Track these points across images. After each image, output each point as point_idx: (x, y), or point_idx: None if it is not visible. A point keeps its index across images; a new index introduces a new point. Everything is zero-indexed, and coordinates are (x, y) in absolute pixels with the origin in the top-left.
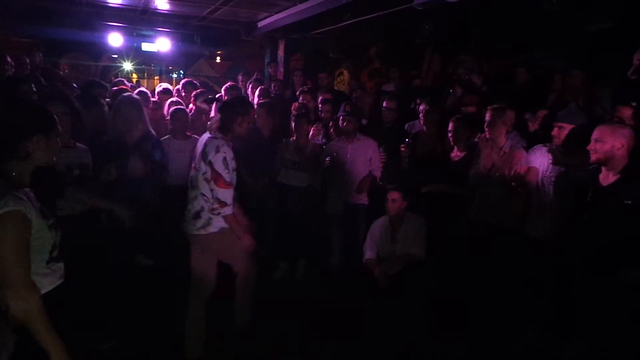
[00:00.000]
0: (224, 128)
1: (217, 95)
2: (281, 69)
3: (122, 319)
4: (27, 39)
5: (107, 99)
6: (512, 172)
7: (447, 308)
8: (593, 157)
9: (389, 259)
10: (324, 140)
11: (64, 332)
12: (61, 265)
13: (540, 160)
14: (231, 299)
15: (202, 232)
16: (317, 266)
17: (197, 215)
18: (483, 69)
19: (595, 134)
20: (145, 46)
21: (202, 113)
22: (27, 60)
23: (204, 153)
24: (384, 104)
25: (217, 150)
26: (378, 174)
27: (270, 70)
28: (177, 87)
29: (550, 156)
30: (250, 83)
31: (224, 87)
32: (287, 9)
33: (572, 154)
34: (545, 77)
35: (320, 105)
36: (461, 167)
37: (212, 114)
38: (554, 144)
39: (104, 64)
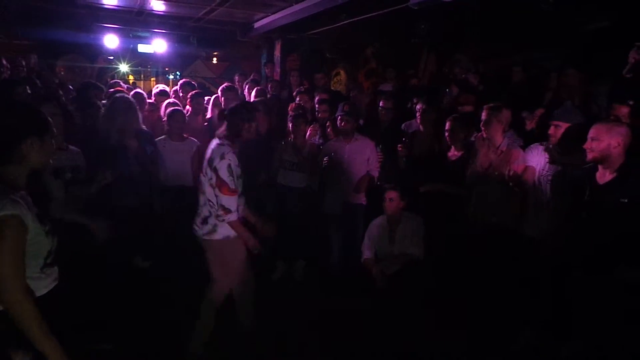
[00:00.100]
0: (231, 135)
1: (213, 96)
2: (278, 70)
3: (121, 320)
4: (23, 41)
5: (103, 101)
6: (509, 171)
7: (445, 308)
8: (589, 156)
9: (387, 259)
10: (321, 141)
11: (62, 333)
12: (55, 268)
13: (537, 159)
14: (232, 300)
15: (207, 237)
16: (316, 266)
17: (205, 221)
18: (479, 68)
19: (591, 133)
20: (142, 47)
21: (198, 114)
22: (24, 63)
23: (211, 159)
24: (381, 104)
25: (222, 157)
26: (376, 173)
27: (266, 70)
28: (174, 88)
29: (546, 155)
30: (247, 84)
31: (220, 88)
32: (283, 9)
33: (568, 152)
34: (541, 76)
35: (317, 106)
36: (458, 167)
37: (209, 114)
38: (551, 142)
39: (100, 65)
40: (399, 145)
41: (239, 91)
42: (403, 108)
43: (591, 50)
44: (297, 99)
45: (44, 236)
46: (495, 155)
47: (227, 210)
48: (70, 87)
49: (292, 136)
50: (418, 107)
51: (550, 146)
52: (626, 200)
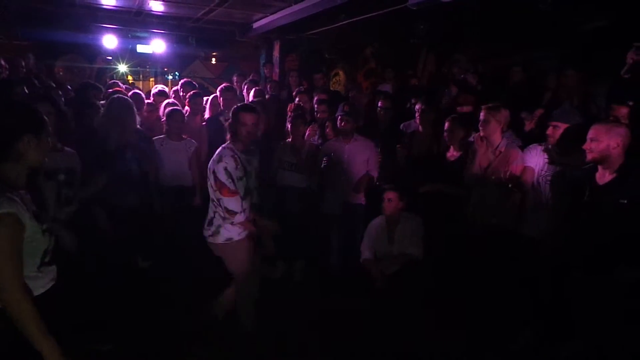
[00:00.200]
0: (233, 136)
1: (211, 96)
2: (277, 70)
3: (121, 320)
4: (22, 41)
5: (102, 101)
6: (508, 172)
7: (445, 308)
8: (589, 157)
9: (386, 259)
10: (320, 141)
11: (62, 333)
12: (53, 268)
13: (536, 160)
14: (232, 300)
15: (211, 240)
16: (316, 266)
17: (210, 222)
18: (478, 69)
19: (590, 133)
20: (140, 48)
21: (197, 114)
22: (23, 63)
23: (211, 162)
24: (379, 104)
25: (220, 160)
26: (375, 174)
27: (265, 71)
28: (175, 88)
29: (545, 155)
30: (245, 84)
31: (219, 89)
32: (282, 9)
33: (567, 153)
34: (540, 76)
35: (316, 106)
36: (457, 167)
37: (207, 114)
38: (549, 143)
39: (98, 66)
40: (399, 145)
41: (238, 92)
42: (402, 108)
43: (589, 50)
44: (297, 99)
45: (40, 235)
46: (494, 156)
47: (232, 212)
48: (69, 87)
49: (291, 137)
50: (417, 107)
51: (549, 147)
52: (626, 201)
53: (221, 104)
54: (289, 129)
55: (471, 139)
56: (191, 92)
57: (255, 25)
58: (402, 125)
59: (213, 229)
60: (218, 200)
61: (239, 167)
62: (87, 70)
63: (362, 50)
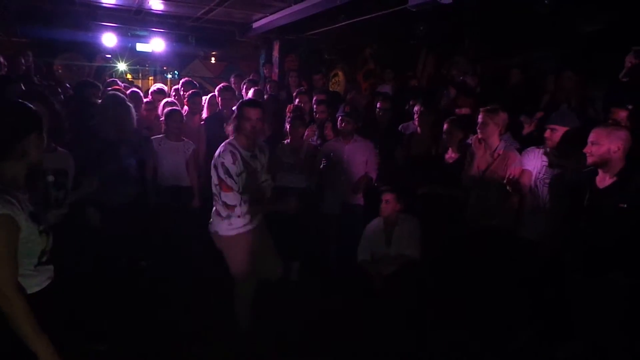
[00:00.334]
0: (236, 131)
1: (209, 95)
2: (276, 70)
3: (118, 320)
4: (21, 38)
5: (100, 100)
6: (506, 174)
7: (443, 308)
8: (589, 160)
9: (384, 260)
10: (319, 141)
11: (59, 332)
12: (50, 267)
13: (534, 163)
14: (232, 300)
15: (212, 231)
16: (315, 266)
17: (213, 216)
18: (477, 70)
19: (591, 137)
20: (140, 46)
21: (195, 113)
22: (23, 61)
23: (214, 157)
24: (378, 105)
25: (219, 156)
26: (374, 175)
27: (265, 71)
28: (175, 86)
29: (543, 158)
30: (244, 84)
31: (217, 88)
32: (281, 9)
33: (565, 156)
34: (539, 78)
35: (315, 106)
36: (455, 169)
37: (205, 114)
38: (547, 146)
39: (98, 64)
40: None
41: (236, 92)
42: (401, 109)
43: (588, 53)
44: (297, 99)
45: (37, 235)
46: (492, 158)
47: (231, 207)
48: (68, 85)
49: (290, 137)
50: (415, 109)
51: (547, 150)
52: (626, 205)
53: (219, 103)
54: (288, 129)
55: (469, 141)
56: (190, 92)
57: (255, 25)
58: (400, 127)
59: (215, 222)
60: (218, 194)
61: (237, 162)
62: (87, 69)
63: (362, 51)
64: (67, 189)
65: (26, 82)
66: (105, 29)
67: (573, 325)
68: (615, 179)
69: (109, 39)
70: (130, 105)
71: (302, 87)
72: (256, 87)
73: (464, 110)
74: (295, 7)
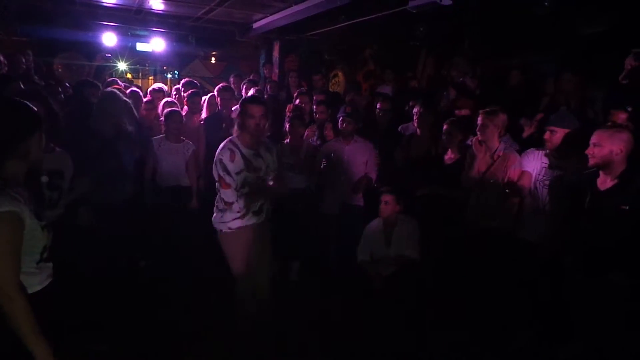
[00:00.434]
0: (239, 128)
1: (208, 95)
2: (276, 70)
3: (118, 320)
4: (21, 38)
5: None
6: (506, 176)
7: (443, 309)
8: (591, 162)
9: (383, 261)
10: (318, 142)
11: (58, 332)
12: (50, 265)
13: (534, 164)
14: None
15: (214, 226)
16: (315, 266)
17: (214, 211)
18: (477, 72)
19: (593, 139)
20: (140, 46)
21: (195, 113)
22: (23, 60)
23: (216, 154)
24: (378, 106)
25: (218, 154)
26: (374, 176)
27: (265, 71)
28: (176, 86)
29: (543, 160)
30: (244, 84)
31: (216, 88)
32: (282, 10)
33: (565, 157)
34: (539, 80)
35: (314, 107)
36: (455, 170)
37: (204, 114)
38: (547, 148)
39: (98, 63)
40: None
41: (236, 92)
42: (401, 110)
43: (588, 55)
44: (297, 100)
45: (39, 231)
46: (492, 160)
47: (229, 204)
48: (67, 84)
49: (290, 137)
50: (415, 110)
51: (547, 151)
52: (627, 207)
53: (219, 103)
54: (288, 129)
55: (469, 142)
56: (189, 91)
57: (255, 25)
58: (400, 128)
59: (217, 219)
60: (218, 190)
61: (235, 160)
62: (86, 68)
63: (362, 51)
64: (61, 189)
65: (26, 81)
66: (105, 28)
67: (573, 326)
68: (616, 181)
69: (109, 39)
70: (128, 100)
71: (302, 88)
72: (256, 88)
73: (464, 112)
74: (296, 8)
